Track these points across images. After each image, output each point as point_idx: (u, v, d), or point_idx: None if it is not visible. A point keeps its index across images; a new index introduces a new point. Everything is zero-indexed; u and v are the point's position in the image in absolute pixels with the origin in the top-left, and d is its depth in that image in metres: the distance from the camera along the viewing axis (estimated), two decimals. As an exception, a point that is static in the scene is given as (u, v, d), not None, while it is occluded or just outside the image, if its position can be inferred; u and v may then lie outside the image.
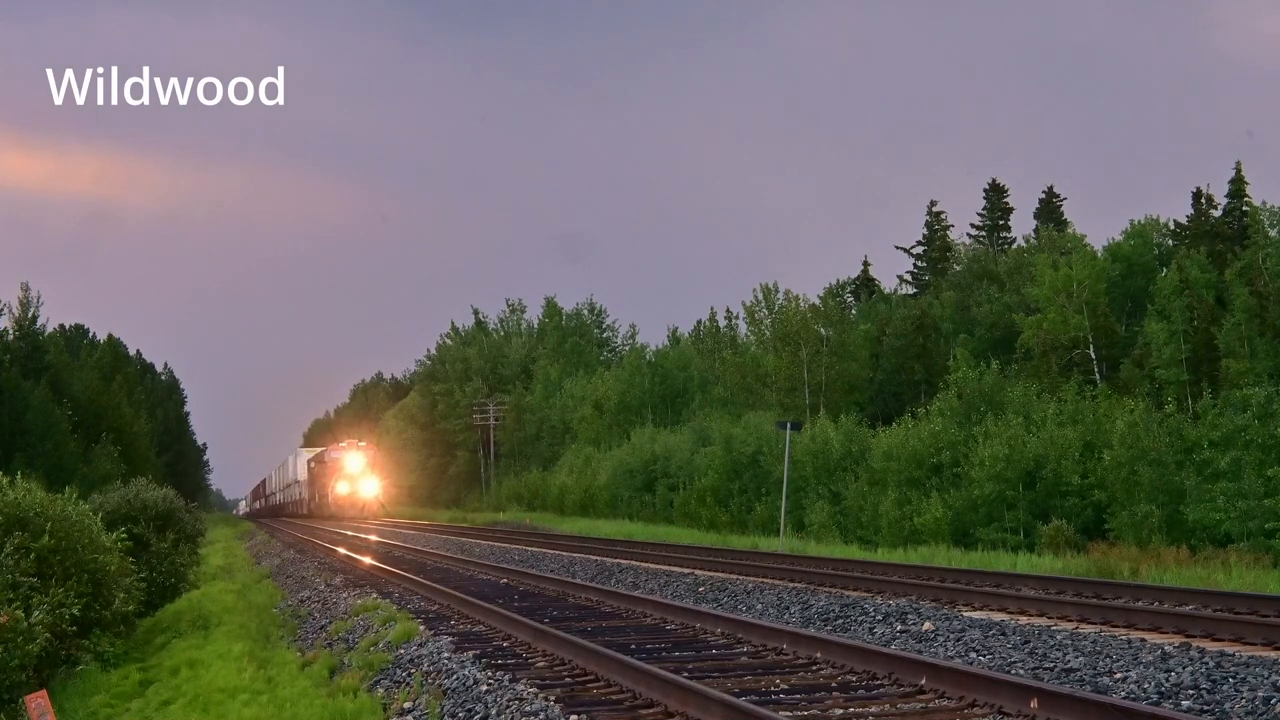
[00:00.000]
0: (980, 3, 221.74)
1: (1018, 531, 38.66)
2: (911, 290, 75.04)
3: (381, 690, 11.95)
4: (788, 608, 14.98)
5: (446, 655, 12.52)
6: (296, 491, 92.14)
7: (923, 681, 9.65)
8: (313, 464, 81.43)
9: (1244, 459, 35.18)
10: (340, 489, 71.45)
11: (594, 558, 24.66)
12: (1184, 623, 12.14)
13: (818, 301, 65.83)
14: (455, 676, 11.32)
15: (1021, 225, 77.19)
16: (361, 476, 72.17)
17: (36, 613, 14.72)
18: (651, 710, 9.44)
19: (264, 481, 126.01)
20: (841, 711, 9.16)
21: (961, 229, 77.84)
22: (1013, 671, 10.27)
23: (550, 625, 13.56)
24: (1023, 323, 55.71)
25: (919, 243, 76.63)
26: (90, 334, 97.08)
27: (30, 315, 59.93)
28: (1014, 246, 71.87)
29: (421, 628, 14.76)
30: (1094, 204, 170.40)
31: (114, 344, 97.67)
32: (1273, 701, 8.63)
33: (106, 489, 28.72)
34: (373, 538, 43.00)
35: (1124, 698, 9.04)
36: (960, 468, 41.78)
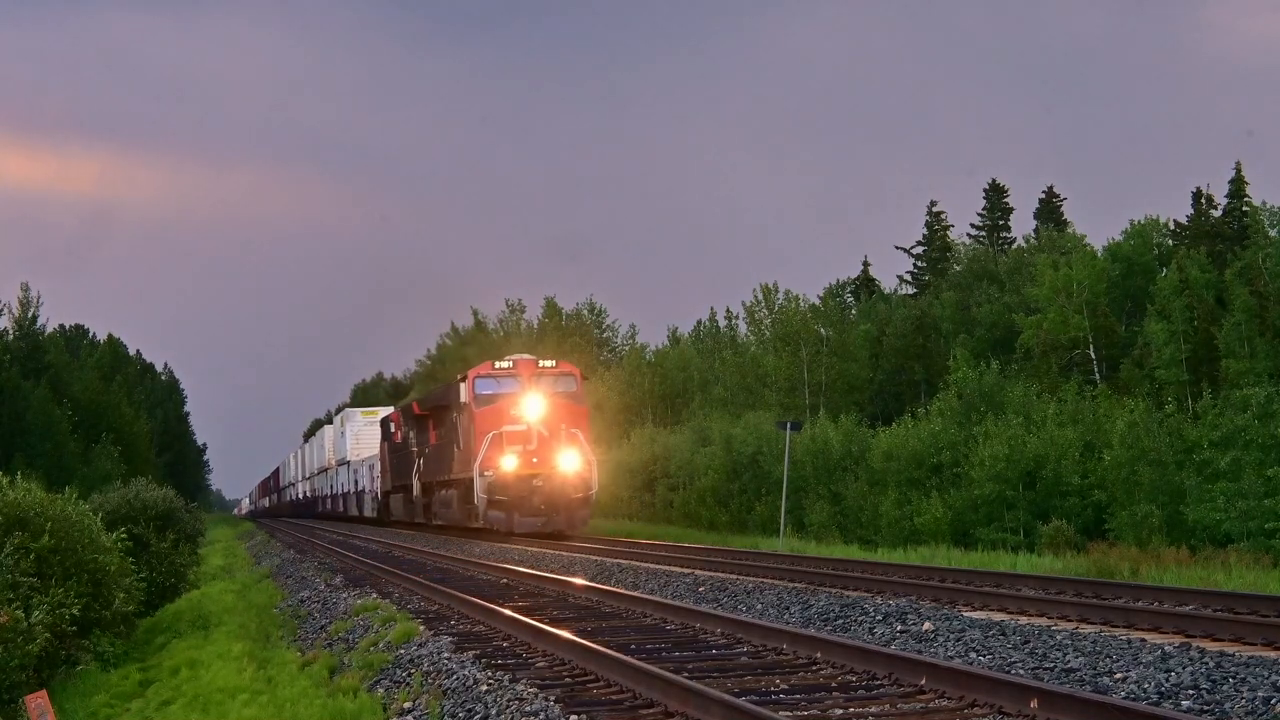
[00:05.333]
0: (981, 3, 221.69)
1: (1018, 531, 38.67)
2: (911, 290, 75.03)
3: (381, 690, 11.95)
4: (788, 608, 14.98)
5: (446, 655, 12.51)
6: (350, 479, 60.16)
7: (923, 681, 9.65)
8: (403, 424, 45.64)
9: (1244, 459, 35.21)
10: (505, 464, 32.97)
11: (594, 558, 24.65)
12: (1184, 623, 12.13)
13: (818, 301, 65.87)
14: (455, 676, 11.31)
15: (1021, 225, 77.15)
16: (558, 440, 33.30)
17: (36, 613, 14.73)
18: (651, 710, 9.44)
19: (277, 471, 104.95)
20: (841, 711, 9.16)
21: (961, 229, 77.87)
22: (1013, 671, 10.27)
23: (550, 625, 13.56)
24: (1023, 323, 55.70)
25: (919, 243, 76.65)
26: (90, 334, 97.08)
27: (30, 315, 59.98)
28: (1014, 246, 71.86)
29: (421, 628, 14.75)
30: (1094, 204, 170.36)
31: (114, 344, 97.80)
32: (1273, 701, 8.63)
33: (106, 489, 28.77)
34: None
35: (1124, 698, 9.04)
36: (960, 468, 41.77)
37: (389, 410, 57.41)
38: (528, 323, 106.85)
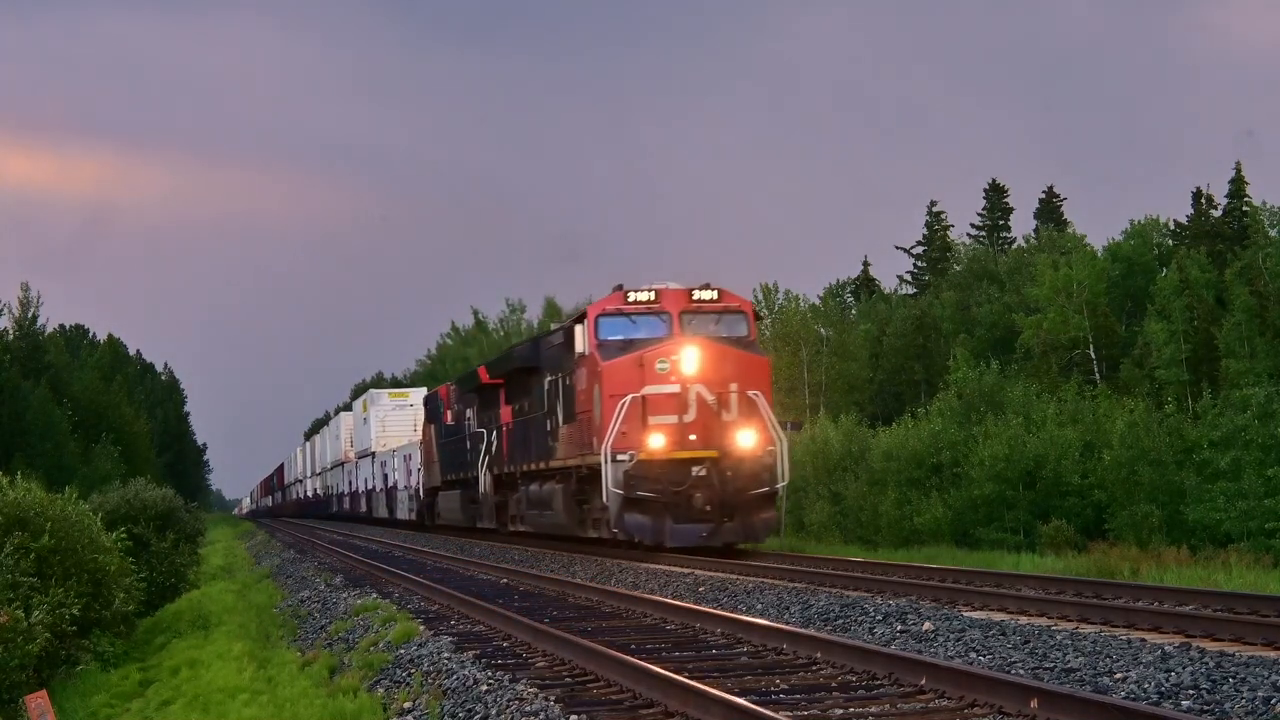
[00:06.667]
0: (981, 3, 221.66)
1: (1018, 531, 38.64)
2: (911, 290, 75.00)
3: (381, 690, 11.96)
4: (788, 608, 14.98)
5: (446, 655, 12.52)
6: (375, 474, 50.66)
7: (923, 681, 9.65)
8: (459, 400, 36.09)
9: (1244, 459, 35.20)
10: (652, 443, 22.75)
11: (594, 558, 24.65)
12: (1184, 623, 12.13)
13: (818, 301, 65.81)
14: (455, 676, 11.32)
15: (1021, 225, 77.13)
16: (728, 408, 23.14)
17: (36, 613, 14.75)
18: (651, 710, 9.44)
19: (281, 469, 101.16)
20: (841, 711, 9.16)
21: (961, 229, 77.76)
22: (1013, 671, 10.27)
23: (550, 625, 13.56)
24: (1023, 323, 55.68)
25: (919, 243, 76.62)
26: (90, 334, 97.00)
27: (30, 315, 59.90)
28: (1014, 246, 71.83)
29: (421, 628, 14.75)
30: (1094, 204, 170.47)
31: (114, 344, 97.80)
32: (1273, 701, 8.63)
33: (106, 489, 28.78)
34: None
35: (1124, 698, 9.04)
36: (960, 468, 41.76)
37: (422, 390, 49.45)
38: (528, 322, 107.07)
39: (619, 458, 22.57)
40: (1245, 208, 58.15)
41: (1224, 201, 59.65)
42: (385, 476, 49.40)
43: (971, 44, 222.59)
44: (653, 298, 23.79)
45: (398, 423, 50.73)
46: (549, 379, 26.65)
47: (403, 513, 45.48)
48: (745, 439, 22.83)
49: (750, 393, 23.01)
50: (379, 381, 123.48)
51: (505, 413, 30.63)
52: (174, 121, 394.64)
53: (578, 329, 24.40)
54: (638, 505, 22.64)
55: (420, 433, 43.31)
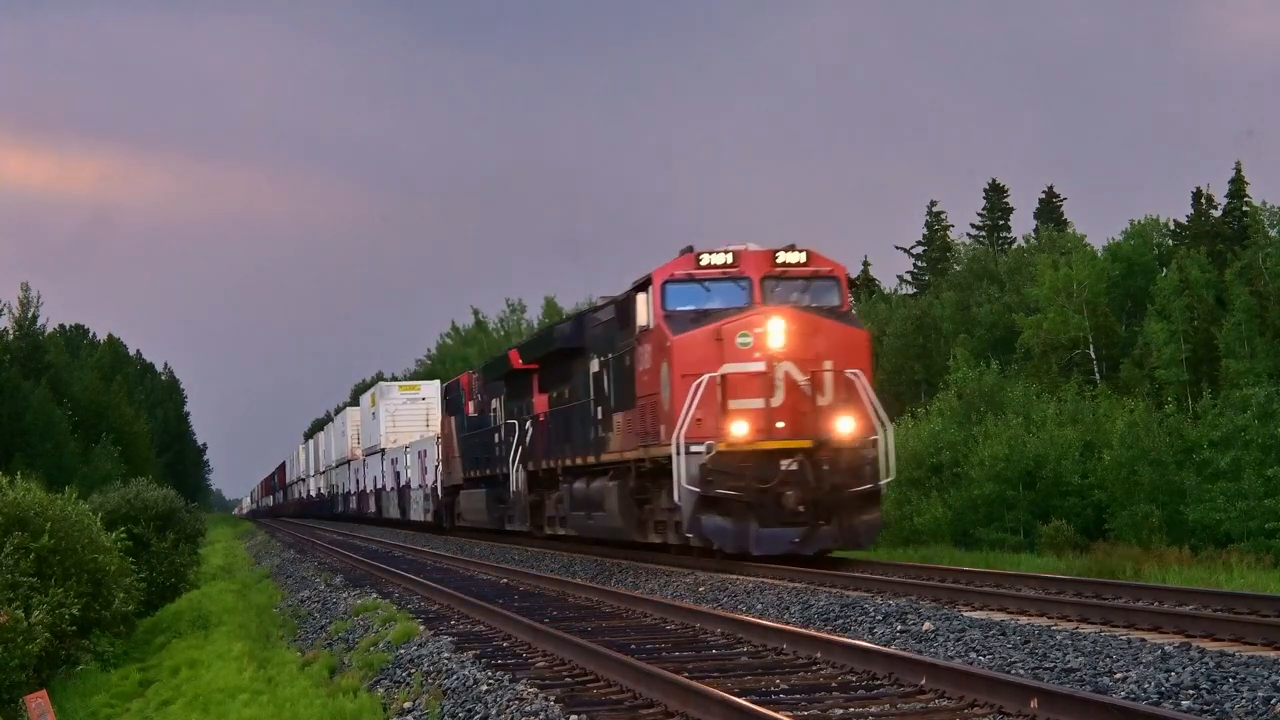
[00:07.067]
0: (981, 3, 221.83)
1: (1018, 531, 38.66)
2: (911, 290, 75.01)
3: (381, 690, 11.96)
4: (788, 608, 14.97)
5: (446, 655, 12.52)
6: (385, 472, 48.77)
7: (923, 681, 9.65)
8: (484, 390, 33.58)
9: (1244, 459, 35.22)
10: (735, 431, 19.42)
11: (594, 558, 24.66)
12: (1184, 623, 12.13)
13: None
14: (455, 676, 11.32)
15: (1021, 225, 77.12)
16: (823, 390, 19.80)
17: (36, 613, 14.76)
18: (651, 710, 9.45)
19: (283, 467, 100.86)
20: (842, 711, 9.17)
21: (961, 229, 77.76)
22: (1013, 671, 10.27)
23: (550, 625, 13.57)
24: (1023, 323, 55.71)
25: (919, 243, 76.64)
26: (90, 334, 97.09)
27: (30, 315, 59.93)
28: (1014, 246, 71.84)
29: (421, 628, 14.76)
30: (1094, 204, 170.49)
31: (114, 344, 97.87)
32: (1273, 701, 8.63)
33: (106, 489, 28.79)
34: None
35: (1124, 698, 9.04)
36: (960, 468, 41.77)
37: (434, 384, 47.12)
38: (528, 322, 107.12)
39: (694, 449, 19.32)
40: (1245, 208, 58.15)
41: (1224, 201, 59.71)
42: (397, 475, 46.76)
43: (972, 44, 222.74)
44: (730, 260, 20.43)
45: (409, 417, 48.86)
46: (597, 360, 23.89)
47: (417, 513, 42.87)
48: (844, 426, 19.65)
49: (848, 372, 19.79)
50: (379, 380, 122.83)
51: (540, 401, 27.88)
52: (174, 121, 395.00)
53: (640, 298, 20.92)
54: (716, 505, 19.38)
55: (433, 427, 41.14)
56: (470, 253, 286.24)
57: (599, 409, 23.52)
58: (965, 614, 13.51)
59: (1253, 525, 33.86)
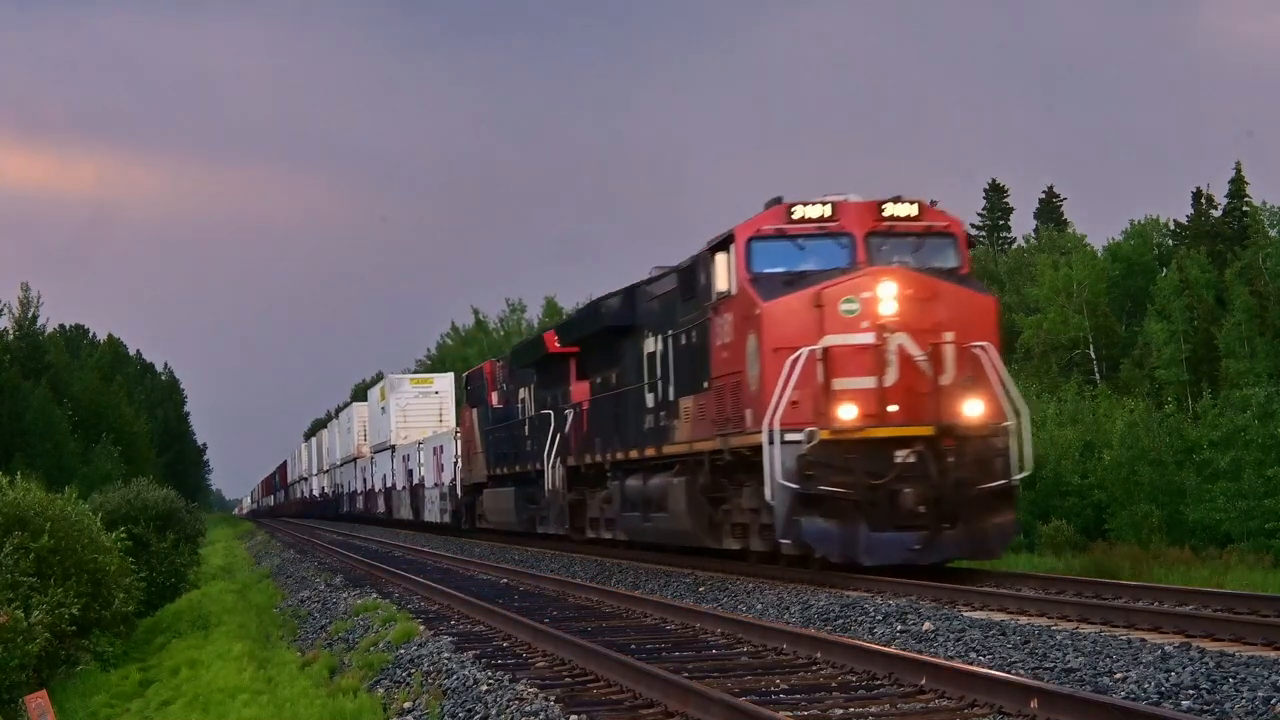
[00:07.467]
0: (980, 3, 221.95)
1: (1017, 531, 38.67)
2: (912, 290, 74.96)
3: (381, 690, 11.96)
4: (788, 608, 14.97)
5: (446, 655, 12.52)
6: (396, 469, 45.88)
7: (923, 681, 9.65)
8: (511, 378, 31.29)
9: (1244, 459, 35.20)
10: (841, 415, 16.27)
11: (594, 558, 24.66)
12: (1184, 623, 12.13)
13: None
14: (455, 676, 11.32)
15: (1021, 225, 77.06)
16: (944, 368, 16.51)
17: (36, 613, 14.77)
18: (651, 710, 9.44)
19: (284, 466, 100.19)
20: (842, 711, 9.17)
21: (961, 229, 77.64)
22: (1013, 671, 10.27)
23: (550, 625, 13.57)
24: (1023, 323, 55.69)
25: (919, 242, 76.57)
26: (90, 334, 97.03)
27: (30, 315, 59.94)
28: (1014, 246, 71.84)
29: (421, 627, 14.76)
30: (1094, 204, 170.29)
31: (114, 344, 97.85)
32: (1273, 701, 8.62)
33: (106, 489, 28.80)
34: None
35: (1124, 698, 9.04)
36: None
37: (448, 377, 44.36)
38: (528, 322, 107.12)
39: (790, 437, 16.18)
40: (1245, 208, 58.11)
41: (1224, 201, 59.67)
42: (409, 473, 43.46)
43: (972, 44, 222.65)
44: (829, 213, 17.22)
45: (421, 412, 46.35)
46: (654, 339, 20.90)
47: (432, 514, 39.94)
48: (971, 410, 16.52)
49: (974, 345, 16.72)
50: (379, 380, 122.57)
51: (579, 389, 25.05)
52: (174, 121, 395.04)
53: (719, 259, 17.83)
54: (818, 505, 16.28)
55: (447, 422, 38.89)
56: (470, 253, 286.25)
57: (655, 394, 20.75)
58: (965, 614, 13.50)
59: (1253, 525, 33.83)
